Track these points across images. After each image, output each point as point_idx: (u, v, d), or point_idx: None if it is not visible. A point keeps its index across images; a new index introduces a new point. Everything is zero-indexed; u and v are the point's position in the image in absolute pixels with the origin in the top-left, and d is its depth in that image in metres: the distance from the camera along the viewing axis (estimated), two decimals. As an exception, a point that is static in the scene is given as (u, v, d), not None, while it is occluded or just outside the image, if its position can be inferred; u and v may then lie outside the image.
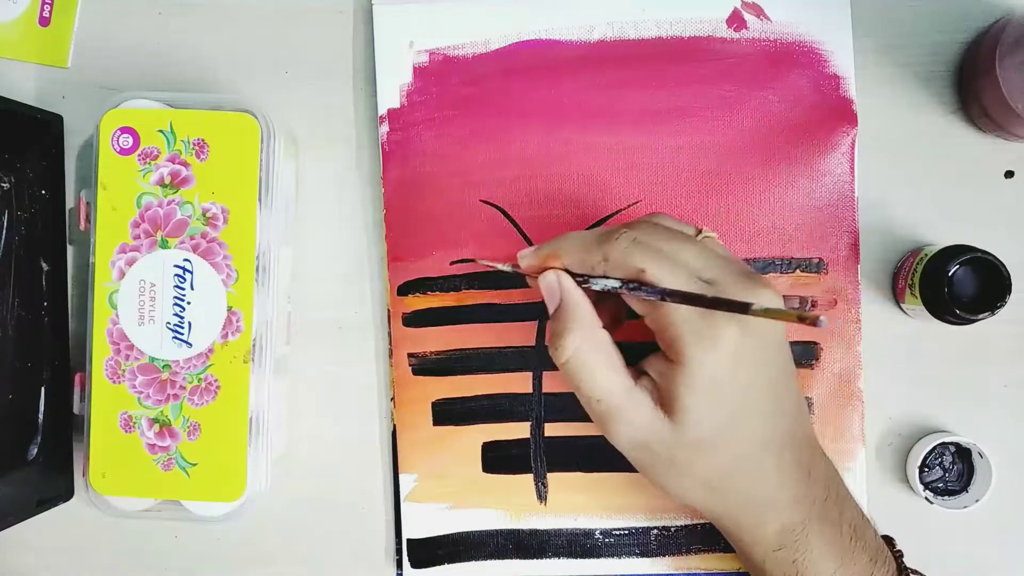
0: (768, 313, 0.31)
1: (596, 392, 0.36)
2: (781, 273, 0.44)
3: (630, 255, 0.35)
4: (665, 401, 0.35)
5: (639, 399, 0.35)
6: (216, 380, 0.41)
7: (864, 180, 0.44)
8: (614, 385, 0.36)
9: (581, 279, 0.36)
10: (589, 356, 0.36)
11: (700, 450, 0.35)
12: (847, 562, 0.36)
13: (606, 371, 0.36)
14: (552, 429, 0.44)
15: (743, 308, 0.32)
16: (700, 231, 0.37)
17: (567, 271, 0.37)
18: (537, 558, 0.44)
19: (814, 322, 0.30)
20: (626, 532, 0.44)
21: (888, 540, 0.39)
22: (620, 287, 0.35)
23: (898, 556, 0.38)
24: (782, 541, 0.36)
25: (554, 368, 0.44)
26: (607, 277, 0.36)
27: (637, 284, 0.35)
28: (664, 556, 0.44)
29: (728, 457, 0.35)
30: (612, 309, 0.38)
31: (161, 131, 0.41)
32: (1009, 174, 0.44)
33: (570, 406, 0.44)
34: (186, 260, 0.41)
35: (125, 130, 0.41)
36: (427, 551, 0.45)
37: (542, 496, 0.44)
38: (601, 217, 0.44)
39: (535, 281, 0.38)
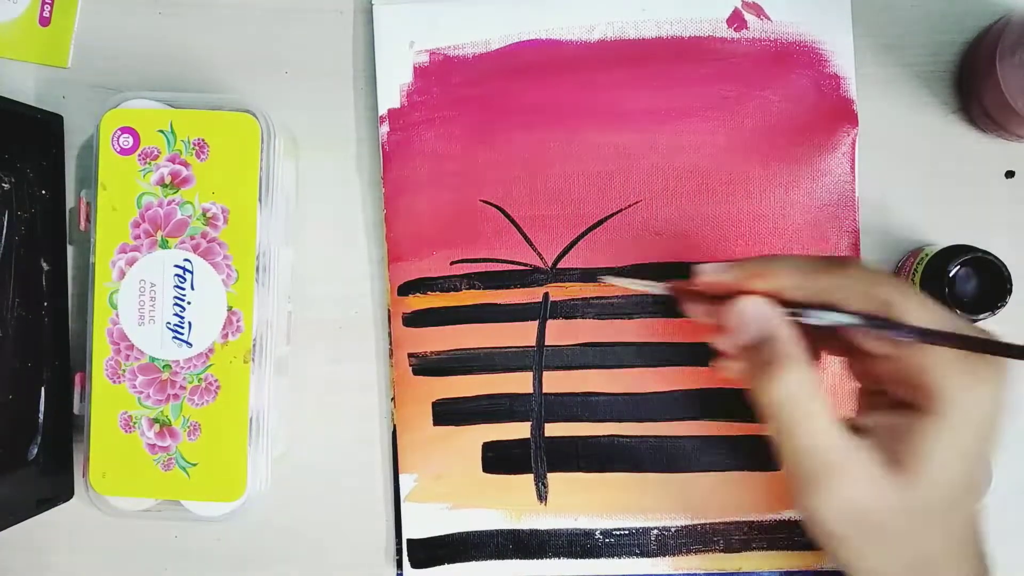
0: None
1: (813, 443, 0.31)
2: (781, 273, 0.43)
3: (873, 284, 0.31)
4: (900, 460, 0.30)
5: (861, 455, 0.31)
6: (216, 380, 0.41)
7: (864, 180, 0.44)
8: (834, 435, 0.31)
9: (791, 310, 0.32)
10: (807, 397, 0.31)
11: (924, 521, 0.31)
12: None
13: (824, 418, 0.31)
14: (552, 429, 0.44)
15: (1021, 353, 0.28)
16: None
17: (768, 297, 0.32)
18: (537, 558, 0.44)
19: None
20: (626, 532, 0.44)
21: None
22: (858, 323, 0.30)
23: None
24: None
25: (554, 368, 0.44)
26: (836, 310, 0.31)
27: (884, 321, 0.30)
28: (664, 556, 0.44)
29: (944, 532, 0.32)
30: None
31: (161, 131, 0.41)
32: (1009, 174, 0.44)
33: (570, 406, 0.44)
34: (186, 260, 0.41)
35: (125, 130, 0.41)
36: (427, 551, 0.45)
37: (542, 496, 0.44)
38: (601, 217, 0.44)
39: (698, 306, 0.33)
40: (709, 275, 0.34)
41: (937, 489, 0.31)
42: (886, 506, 0.31)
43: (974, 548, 0.33)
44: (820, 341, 0.34)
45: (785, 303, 0.32)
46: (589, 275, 0.44)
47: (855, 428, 0.32)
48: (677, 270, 0.44)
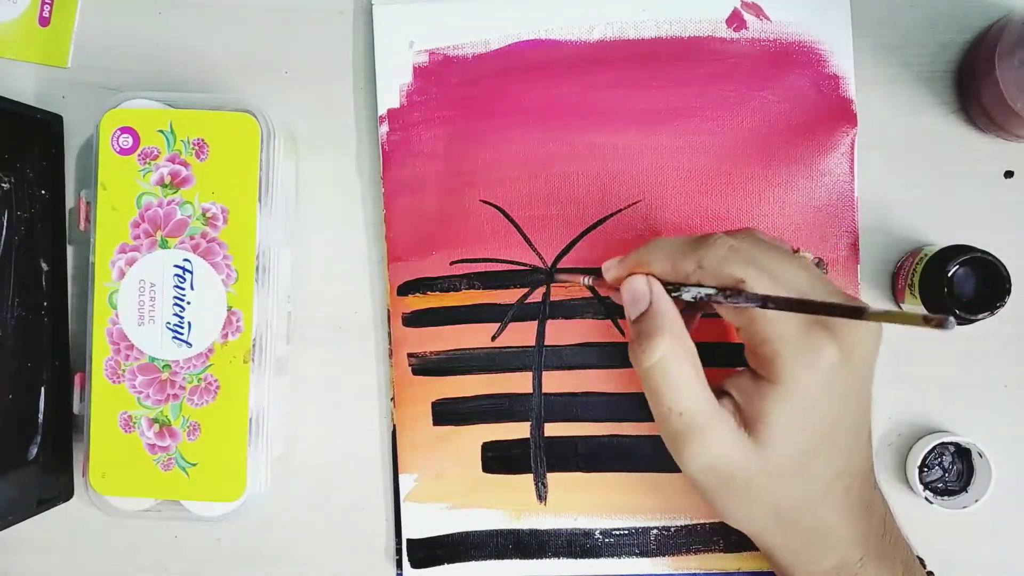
0: (887, 316, 0.29)
1: (680, 405, 0.34)
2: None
3: (728, 263, 0.33)
4: (750, 422, 0.33)
5: (723, 418, 0.34)
6: (216, 380, 0.41)
7: (864, 180, 0.44)
8: (701, 400, 0.34)
9: (670, 288, 0.35)
10: (678, 364, 0.34)
11: (778, 477, 0.34)
12: None
13: (694, 384, 0.34)
14: (552, 429, 0.44)
15: (858, 313, 0.29)
16: (797, 250, 0.36)
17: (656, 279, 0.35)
18: (537, 558, 0.44)
19: (941, 324, 0.27)
20: (626, 532, 0.44)
21: (921, 561, 0.38)
22: (715, 295, 0.33)
23: None
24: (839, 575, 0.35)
25: (554, 368, 0.44)
26: (700, 285, 0.34)
27: (735, 292, 0.33)
28: (664, 556, 0.44)
29: (803, 486, 0.34)
30: (688, 324, 0.36)
31: (161, 131, 0.41)
32: (1009, 174, 0.44)
33: (570, 406, 0.44)
34: (186, 260, 0.41)
35: (125, 130, 0.41)
36: (427, 551, 0.45)
37: (542, 496, 0.44)
38: (601, 217, 0.44)
39: (617, 293, 0.36)
40: (610, 271, 0.37)
41: (785, 451, 0.33)
42: (743, 464, 0.34)
43: (844, 503, 0.35)
44: (691, 324, 0.37)
45: (666, 284, 0.36)
46: (588, 275, 0.44)
47: (719, 391, 0.35)
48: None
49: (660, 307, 0.35)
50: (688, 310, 0.37)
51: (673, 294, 0.35)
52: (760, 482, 0.34)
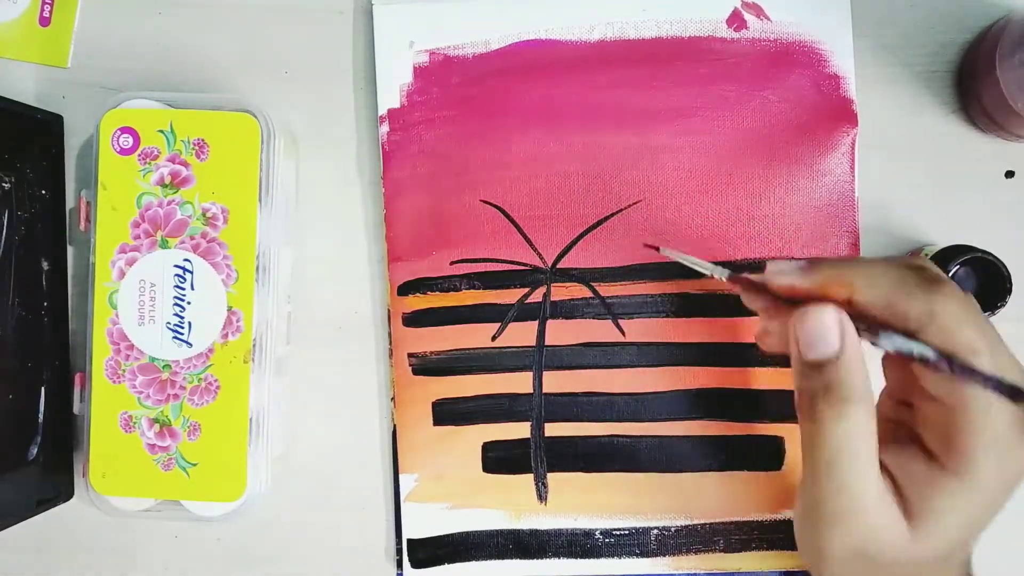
0: None
1: (852, 483, 0.30)
2: (781, 273, 0.43)
3: (966, 324, 0.28)
4: (913, 511, 0.30)
5: (887, 505, 0.30)
6: (216, 380, 0.41)
7: (864, 180, 0.44)
8: (871, 483, 0.30)
9: (865, 328, 0.29)
10: (863, 442, 0.29)
11: (924, 564, 0.31)
12: None
13: (870, 464, 0.30)
14: (552, 429, 0.44)
15: None
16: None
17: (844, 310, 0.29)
18: (537, 558, 0.44)
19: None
20: (626, 532, 0.44)
21: None
22: (936, 360, 0.28)
23: None
24: None
25: (554, 368, 0.44)
26: (917, 339, 0.28)
27: (968, 367, 0.27)
28: (664, 556, 0.44)
29: (938, 571, 0.31)
30: None
31: (161, 131, 0.41)
32: (1009, 174, 0.44)
33: (570, 406, 0.44)
34: (186, 260, 0.41)
35: (125, 130, 0.41)
36: (427, 551, 0.45)
37: (542, 496, 0.44)
38: (601, 217, 0.44)
39: (767, 305, 0.31)
40: (784, 278, 0.31)
41: (942, 544, 0.30)
42: (893, 553, 0.30)
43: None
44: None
45: (859, 315, 0.29)
46: (589, 275, 0.44)
47: (880, 464, 0.31)
48: (677, 269, 0.44)
49: (855, 364, 0.29)
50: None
51: (863, 332, 0.29)
52: (904, 571, 0.31)
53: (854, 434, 0.29)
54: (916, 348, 0.28)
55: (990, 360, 0.28)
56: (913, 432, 0.32)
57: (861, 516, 0.30)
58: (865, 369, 0.30)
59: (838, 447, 0.29)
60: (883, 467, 0.31)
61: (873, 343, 0.29)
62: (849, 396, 0.29)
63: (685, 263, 0.35)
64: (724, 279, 0.32)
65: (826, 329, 0.29)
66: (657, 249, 0.37)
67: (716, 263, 0.33)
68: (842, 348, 0.29)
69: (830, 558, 0.31)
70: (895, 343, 0.28)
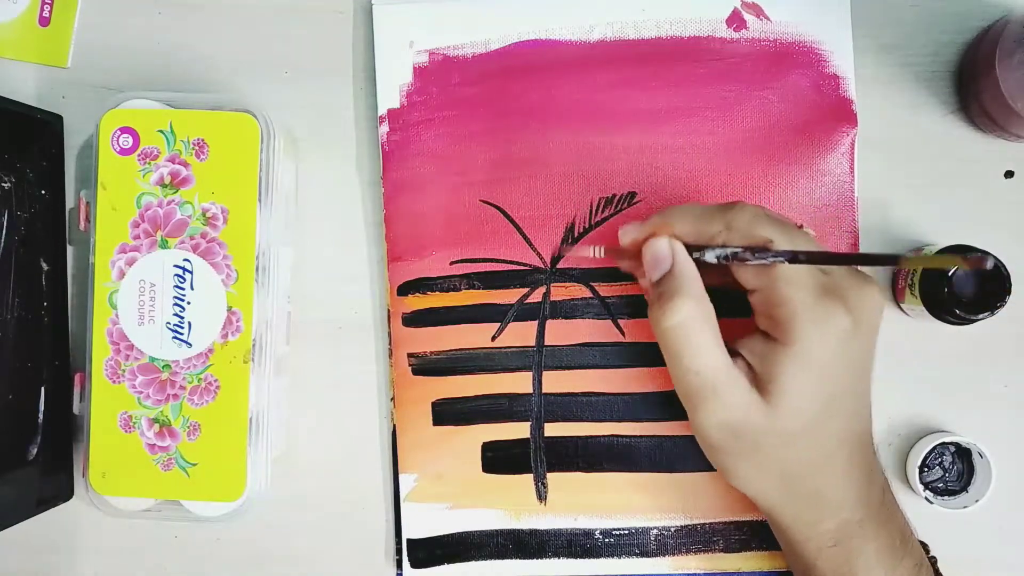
0: (923, 260, 0.30)
1: (697, 364, 0.35)
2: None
3: (757, 223, 0.35)
4: (762, 384, 0.35)
5: (737, 378, 0.35)
6: (216, 380, 0.41)
7: (864, 180, 0.44)
8: (718, 360, 0.35)
9: (692, 251, 0.36)
10: (698, 326, 0.35)
11: (787, 438, 0.35)
12: (896, 565, 0.36)
13: (712, 345, 0.35)
14: (552, 429, 0.44)
15: (894, 260, 0.31)
16: (801, 226, 0.37)
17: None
18: (537, 558, 0.44)
19: (979, 263, 0.28)
20: (626, 532, 0.44)
21: (924, 546, 0.39)
22: (742, 253, 0.35)
23: (933, 562, 0.39)
24: (839, 537, 0.36)
25: (554, 368, 0.44)
26: (725, 246, 0.35)
27: (764, 250, 0.34)
28: (664, 556, 0.44)
29: (809, 448, 0.35)
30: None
31: (161, 131, 0.41)
32: (1009, 174, 0.44)
33: (570, 406, 0.44)
34: (186, 260, 0.41)
35: (125, 130, 0.41)
36: (427, 551, 0.45)
37: (542, 496, 0.44)
38: (601, 217, 0.44)
39: (629, 261, 0.37)
40: (628, 236, 0.38)
41: (795, 413, 0.34)
42: (754, 424, 0.35)
43: (847, 466, 0.36)
44: (725, 276, 0.37)
45: (687, 247, 0.36)
46: (589, 275, 0.44)
47: (732, 352, 0.36)
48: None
49: (682, 269, 0.36)
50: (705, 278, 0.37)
51: (695, 255, 0.36)
52: (769, 442, 0.35)
53: (687, 322, 0.35)
54: (727, 251, 0.35)
55: (786, 242, 0.34)
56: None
57: (716, 393, 0.35)
58: (693, 275, 0.35)
59: (675, 336, 0.35)
60: (736, 354, 0.36)
61: (701, 260, 0.36)
62: (675, 292, 0.35)
63: (577, 254, 0.42)
64: (602, 254, 0.39)
65: (659, 250, 0.36)
66: (560, 255, 0.44)
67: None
68: (673, 262, 0.36)
69: (706, 438, 0.36)
70: (714, 253, 0.35)
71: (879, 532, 0.36)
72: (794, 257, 0.33)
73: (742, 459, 0.36)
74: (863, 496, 0.36)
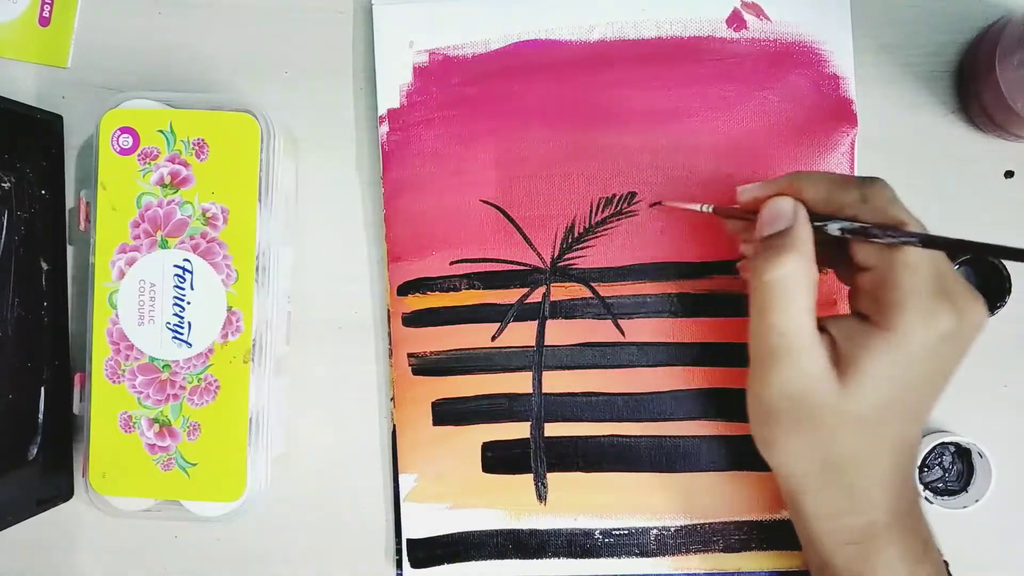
0: None
1: (784, 324, 0.34)
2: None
3: (895, 203, 0.34)
4: (843, 363, 0.34)
5: (819, 348, 0.34)
6: (216, 380, 0.41)
7: (864, 180, 0.44)
8: (805, 324, 0.34)
9: (815, 219, 0.35)
10: (798, 285, 0.34)
11: (848, 423, 0.34)
12: (916, 570, 0.36)
13: (805, 309, 0.34)
14: (552, 429, 0.44)
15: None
16: None
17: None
18: (537, 558, 0.44)
19: None
20: (626, 532, 0.44)
21: (945, 563, 0.39)
22: (871, 229, 0.33)
23: (945, 566, 0.38)
24: (861, 537, 0.36)
25: (554, 368, 0.44)
26: (855, 219, 0.34)
27: (896, 229, 0.33)
28: (664, 556, 0.44)
29: (864, 440, 0.35)
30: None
31: (161, 131, 0.41)
32: (1009, 174, 0.44)
33: (570, 406, 0.44)
34: (186, 260, 0.41)
35: (125, 130, 0.41)
36: (427, 551, 0.45)
37: (542, 496, 0.44)
38: (601, 217, 0.44)
39: (738, 222, 0.37)
40: (749, 193, 0.37)
41: (867, 399, 0.33)
42: (822, 401, 0.34)
43: (888, 469, 0.35)
44: (831, 255, 0.37)
45: (811, 215, 0.35)
46: (589, 275, 0.44)
47: (820, 328, 0.35)
48: (677, 270, 0.44)
49: (800, 229, 0.34)
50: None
51: (816, 223, 0.35)
52: (828, 422, 0.34)
53: (788, 278, 0.34)
54: (855, 224, 0.34)
55: (918, 227, 0.34)
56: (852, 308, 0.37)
57: (793, 356, 0.34)
58: (808, 238, 0.34)
59: (773, 290, 0.34)
60: (823, 330, 0.35)
61: (823, 231, 0.35)
62: (788, 247, 0.34)
63: (682, 207, 0.42)
64: (711, 211, 0.39)
65: (782, 208, 0.35)
66: (660, 203, 0.43)
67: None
68: (790, 220, 0.35)
69: (767, 401, 0.35)
70: (840, 225, 0.34)
71: (903, 537, 0.36)
72: (930, 241, 0.32)
73: (793, 433, 0.35)
74: (894, 502, 0.36)
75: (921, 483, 0.43)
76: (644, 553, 0.44)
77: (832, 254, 0.37)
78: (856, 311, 0.36)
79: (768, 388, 0.35)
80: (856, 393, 0.34)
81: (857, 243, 0.35)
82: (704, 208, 0.39)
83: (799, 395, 0.34)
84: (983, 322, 0.34)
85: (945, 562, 0.39)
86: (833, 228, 0.35)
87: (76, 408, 0.44)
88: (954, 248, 0.33)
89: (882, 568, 0.35)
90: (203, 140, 0.41)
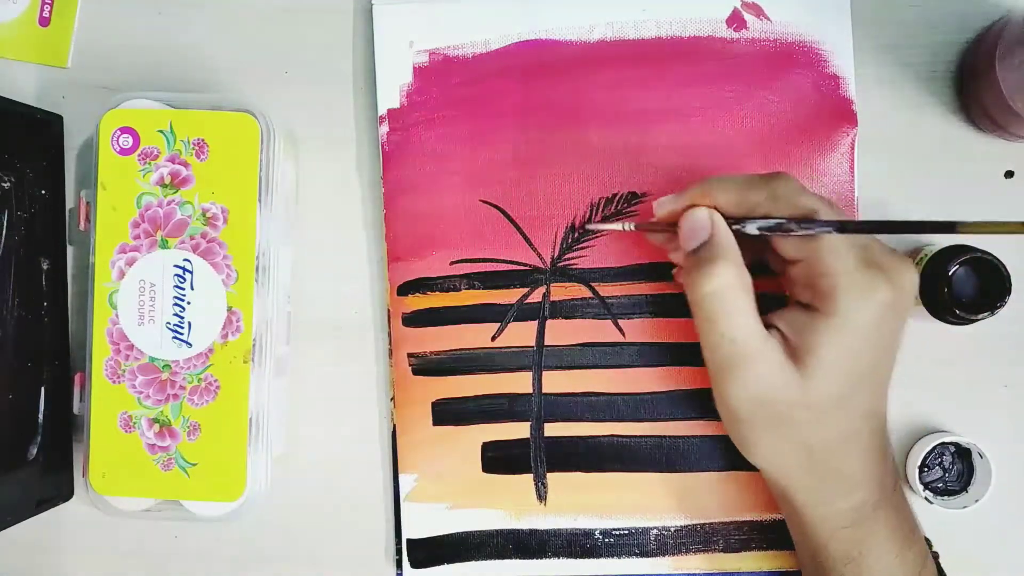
0: (982, 226, 0.30)
1: (733, 331, 0.34)
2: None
3: (802, 194, 0.35)
4: (797, 354, 0.34)
5: (772, 348, 0.34)
6: (216, 380, 0.41)
7: (864, 180, 0.44)
8: (752, 329, 0.34)
9: (732, 223, 0.35)
10: (735, 292, 0.34)
11: (817, 411, 0.34)
12: (905, 550, 0.36)
13: (748, 313, 0.34)
14: (552, 429, 0.44)
15: (950, 227, 0.30)
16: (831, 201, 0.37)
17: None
18: (537, 558, 0.44)
19: None
20: (626, 532, 0.44)
21: (927, 542, 0.39)
22: (787, 223, 0.34)
23: (936, 557, 0.39)
24: (854, 519, 0.36)
25: (554, 368, 0.44)
26: (768, 217, 0.35)
27: (809, 220, 0.34)
28: (664, 556, 0.44)
29: (837, 423, 0.35)
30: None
31: (161, 131, 0.41)
32: (1009, 174, 0.44)
33: (570, 406, 0.44)
34: (186, 260, 0.41)
35: (125, 130, 0.41)
36: (427, 551, 0.45)
37: (542, 496, 0.44)
38: (601, 217, 0.44)
39: (661, 235, 0.37)
40: (664, 207, 0.38)
41: (829, 385, 0.34)
42: (786, 396, 0.34)
43: (868, 444, 0.36)
44: (756, 253, 0.38)
45: (728, 219, 0.36)
46: (589, 275, 0.44)
47: (766, 324, 0.35)
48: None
49: (721, 237, 0.35)
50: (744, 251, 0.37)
51: (733, 227, 0.35)
52: (799, 415, 0.35)
53: (725, 288, 0.34)
54: (771, 221, 0.34)
55: (830, 213, 0.34)
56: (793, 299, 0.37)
57: (749, 362, 0.34)
58: (732, 244, 0.35)
59: (712, 302, 0.35)
60: (770, 325, 0.35)
61: (742, 232, 0.35)
62: (715, 258, 0.35)
63: (605, 229, 0.43)
64: (632, 228, 0.40)
65: (698, 221, 0.36)
66: (584, 227, 0.44)
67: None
68: (709, 231, 0.36)
69: (734, 409, 0.36)
70: (756, 224, 0.35)
71: (891, 516, 0.36)
72: (843, 226, 0.33)
73: (767, 432, 0.36)
74: (878, 476, 0.36)
75: (921, 483, 0.43)
76: (644, 553, 0.44)
77: (760, 250, 0.37)
78: (797, 300, 0.36)
79: (734, 396, 0.35)
80: (818, 382, 0.34)
81: (778, 239, 0.35)
82: (626, 227, 0.40)
83: (765, 397, 0.35)
84: (915, 281, 0.35)
85: (928, 542, 0.39)
86: (751, 228, 0.35)
87: (76, 408, 0.44)
88: (867, 230, 0.34)
89: (874, 550, 0.36)
90: (203, 140, 0.41)
